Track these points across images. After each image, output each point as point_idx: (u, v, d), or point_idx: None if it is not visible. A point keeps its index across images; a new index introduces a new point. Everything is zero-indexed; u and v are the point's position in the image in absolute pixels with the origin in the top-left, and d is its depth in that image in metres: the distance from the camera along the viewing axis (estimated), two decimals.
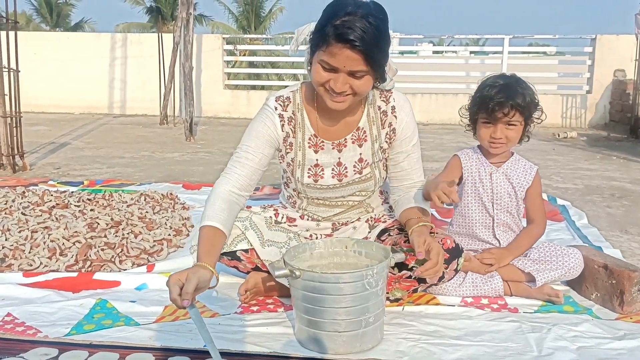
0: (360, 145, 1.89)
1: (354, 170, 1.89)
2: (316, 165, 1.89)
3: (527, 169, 2.08)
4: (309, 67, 1.77)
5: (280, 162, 1.95)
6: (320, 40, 1.62)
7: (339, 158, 1.89)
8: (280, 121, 1.87)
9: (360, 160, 1.89)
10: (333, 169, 1.89)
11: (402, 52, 12.53)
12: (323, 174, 1.89)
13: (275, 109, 1.87)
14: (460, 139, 6.54)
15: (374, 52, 1.60)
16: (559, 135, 7.07)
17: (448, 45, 13.46)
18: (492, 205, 2.05)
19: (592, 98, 8.50)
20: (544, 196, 3.54)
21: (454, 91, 9.01)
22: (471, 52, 11.94)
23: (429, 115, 8.69)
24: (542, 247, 2.04)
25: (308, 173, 1.89)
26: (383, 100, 1.88)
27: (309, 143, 1.88)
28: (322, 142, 1.88)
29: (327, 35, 1.59)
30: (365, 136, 1.89)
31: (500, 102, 1.94)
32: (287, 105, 1.88)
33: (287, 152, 1.90)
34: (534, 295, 1.97)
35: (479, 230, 2.09)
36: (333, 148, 1.88)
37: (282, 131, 1.87)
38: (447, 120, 8.49)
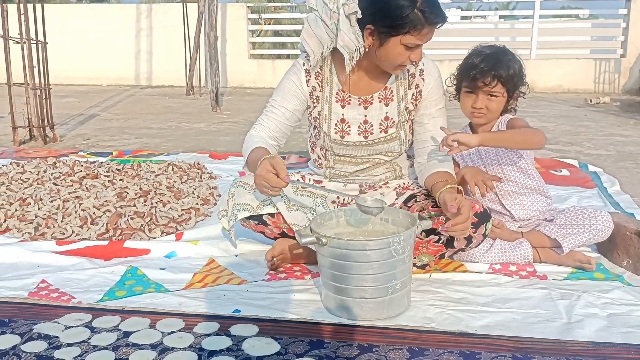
0: (386, 105, 1.90)
1: (380, 129, 1.90)
2: (342, 120, 1.91)
3: (503, 122, 2.04)
4: (360, 39, 1.76)
5: (309, 118, 1.98)
6: (407, 24, 1.68)
7: (365, 116, 1.90)
8: (306, 76, 1.91)
9: (386, 118, 1.90)
10: (359, 127, 1.91)
11: None
12: (349, 130, 1.91)
13: (303, 64, 1.92)
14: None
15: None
16: (591, 101, 6.89)
17: (477, 10, 13.11)
18: None
19: (626, 62, 8.23)
20: (575, 162, 3.48)
21: None
22: (500, 17, 11.61)
23: None
24: (569, 212, 2.00)
25: (335, 129, 1.91)
26: (412, 64, 1.87)
27: (336, 97, 1.91)
28: (349, 96, 1.90)
29: (415, 21, 1.67)
30: (392, 96, 1.90)
31: (483, 71, 1.93)
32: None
33: (315, 106, 1.93)
34: (564, 262, 1.95)
35: (487, 202, 2.07)
36: (359, 104, 1.90)
37: (308, 86, 1.91)
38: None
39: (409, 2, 1.66)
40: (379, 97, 1.90)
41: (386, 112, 1.90)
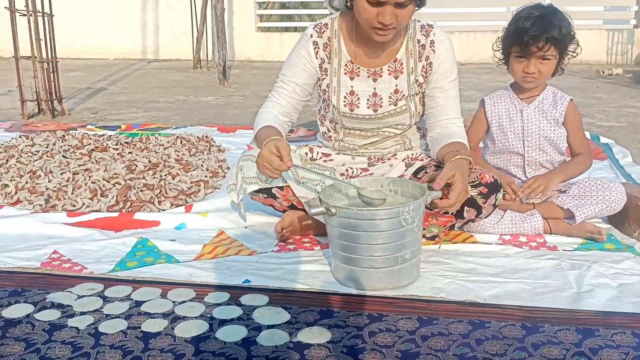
0: (396, 77, 1.87)
1: (389, 101, 1.88)
2: (351, 92, 1.89)
3: (559, 99, 2.01)
4: (331, 4, 1.83)
5: (318, 92, 1.96)
6: None
7: (375, 88, 1.88)
8: (314, 48, 1.89)
9: (396, 91, 1.88)
10: (368, 99, 1.89)
11: None
12: (359, 103, 1.88)
13: (311, 36, 1.89)
14: (499, 78, 6.35)
15: None
16: (603, 72, 6.79)
17: None
18: (523, 143, 2.00)
19: None
20: (587, 134, 3.43)
21: (494, 28, 8.67)
22: None
23: (467, 54, 8.42)
24: (582, 183, 1.98)
25: (344, 101, 1.89)
26: (423, 34, 1.86)
27: (345, 69, 1.88)
28: (358, 68, 1.88)
29: None
30: (402, 68, 1.87)
31: (535, 36, 1.87)
32: (324, 32, 1.89)
33: (323, 78, 1.91)
34: (575, 233, 1.94)
35: (510, 169, 2.05)
36: (368, 76, 1.87)
37: (317, 58, 1.89)
38: (486, 59, 8.21)
39: None
40: (388, 70, 1.87)
41: (396, 85, 1.88)
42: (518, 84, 2.03)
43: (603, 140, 3.34)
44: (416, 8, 1.75)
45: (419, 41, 1.86)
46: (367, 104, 1.89)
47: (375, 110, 1.89)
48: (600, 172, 2.71)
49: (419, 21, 1.87)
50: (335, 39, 1.88)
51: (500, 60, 2.05)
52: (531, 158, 2.02)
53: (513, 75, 2.00)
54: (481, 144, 2.20)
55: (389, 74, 1.87)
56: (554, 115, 1.99)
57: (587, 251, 1.84)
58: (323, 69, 1.91)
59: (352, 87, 1.89)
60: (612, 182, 1.97)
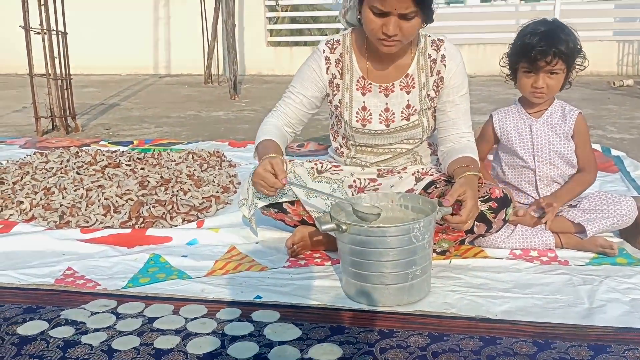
0: (408, 92, 1.89)
1: (402, 116, 1.90)
2: (364, 108, 1.91)
3: (567, 113, 2.01)
4: (346, 19, 1.85)
5: (330, 107, 1.98)
6: None
7: (387, 103, 1.90)
8: (326, 64, 1.91)
9: (408, 106, 1.90)
10: (380, 115, 1.91)
11: (448, 2, 12.14)
12: (371, 118, 1.90)
13: (323, 51, 1.92)
14: (509, 91, 6.34)
15: None
16: (614, 84, 6.77)
17: None
18: (533, 158, 2.00)
19: None
20: (598, 147, 3.43)
21: (503, 41, 8.67)
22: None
23: (477, 66, 8.43)
24: (592, 197, 1.98)
25: (356, 117, 1.91)
26: (434, 49, 1.88)
27: (357, 85, 1.91)
28: (370, 84, 1.90)
29: None
30: (414, 83, 1.89)
31: (543, 50, 1.88)
32: (336, 47, 1.92)
33: (335, 94, 1.93)
34: (586, 247, 1.93)
35: (520, 184, 2.05)
36: (380, 91, 1.89)
37: (327, 73, 1.92)
38: (496, 71, 8.15)
39: None
40: (400, 85, 1.89)
41: (407, 100, 1.89)
42: (526, 98, 2.03)
43: (614, 152, 3.33)
44: (424, 24, 1.76)
45: (430, 56, 1.88)
46: (380, 119, 1.91)
47: (387, 125, 1.91)
48: (611, 185, 2.70)
49: (429, 36, 1.90)
50: (347, 55, 1.91)
51: (507, 76, 2.06)
52: (542, 173, 2.02)
53: (521, 91, 2.01)
54: (490, 156, 2.21)
55: (401, 89, 1.89)
56: (563, 129, 1.99)
57: (598, 266, 1.84)
58: (334, 85, 1.93)
59: (364, 102, 1.91)
60: (622, 196, 1.96)
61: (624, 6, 9.55)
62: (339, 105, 1.93)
